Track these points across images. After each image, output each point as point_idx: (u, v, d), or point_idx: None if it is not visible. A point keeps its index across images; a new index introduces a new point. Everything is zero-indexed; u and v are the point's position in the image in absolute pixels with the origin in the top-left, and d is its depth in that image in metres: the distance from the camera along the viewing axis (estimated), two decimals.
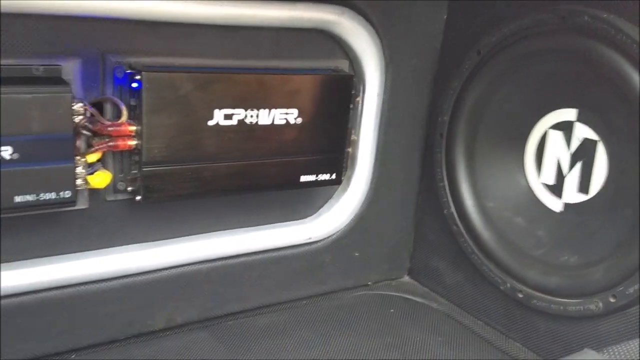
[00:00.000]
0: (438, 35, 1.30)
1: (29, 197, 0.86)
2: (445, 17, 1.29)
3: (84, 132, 0.91)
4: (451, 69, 1.27)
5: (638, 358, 0.65)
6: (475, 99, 1.23)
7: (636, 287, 0.99)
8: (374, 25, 1.19)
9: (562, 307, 1.10)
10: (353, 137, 1.25)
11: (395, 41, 1.23)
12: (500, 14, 1.17)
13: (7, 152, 0.83)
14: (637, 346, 0.67)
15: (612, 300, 1.03)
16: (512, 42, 1.15)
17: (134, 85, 0.94)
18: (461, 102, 1.25)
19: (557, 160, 1.16)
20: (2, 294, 0.94)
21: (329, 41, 1.17)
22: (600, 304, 1.04)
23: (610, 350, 0.65)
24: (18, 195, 0.85)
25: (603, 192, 1.09)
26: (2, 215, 0.86)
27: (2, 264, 0.95)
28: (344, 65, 1.20)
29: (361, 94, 1.23)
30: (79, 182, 0.92)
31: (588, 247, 1.10)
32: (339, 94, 1.17)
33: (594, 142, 1.09)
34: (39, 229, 0.98)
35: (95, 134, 0.93)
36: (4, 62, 0.86)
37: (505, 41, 1.16)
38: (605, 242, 1.07)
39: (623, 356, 0.65)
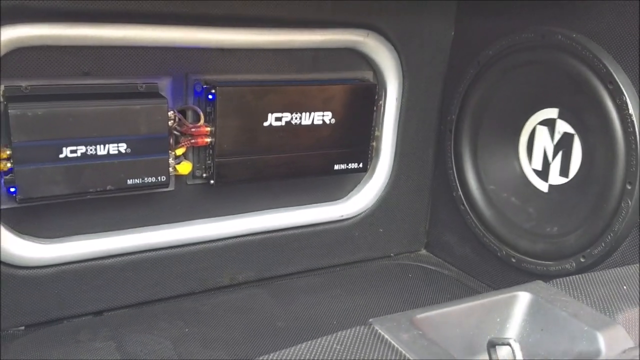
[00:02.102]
0: (446, 50, 1.48)
1: (137, 180, 1.14)
2: (452, 34, 1.49)
3: (175, 132, 1.19)
4: (457, 76, 1.47)
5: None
6: (477, 100, 1.42)
7: (599, 248, 1.21)
8: (393, 44, 1.39)
9: (545, 268, 1.31)
10: (377, 133, 1.47)
11: (411, 55, 1.43)
12: (495, 32, 1.36)
13: (123, 147, 1.11)
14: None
15: (582, 260, 1.23)
16: (505, 54, 1.35)
17: (210, 96, 1.20)
18: (466, 104, 1.45)
19: (543, 150, 1.35)
20: (114, 254, 1.23)
21: (357, 57, 1.39)
22: (574, 264, 1.25)
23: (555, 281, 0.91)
24: (130, 179, 1.14)
25: (578, 176, 1.28)
26: (118, 194, 1.15)
27: (112, 232, 1.24)
28: (368, 75, 1.42)
29: (383, 98, 1.44)
30: (170, 169, 1.19)
31: (566, 220, 1.29)
32: (364, 99, 1.38)
33: (571, 136, 1.29)
34: (137, 207, 1.25)
35: (181, 133, 1.20)
36: (117, 81, 1.14)
37: (499, 54, 1.36)
38: (579, 215, 1.27)
39: (565, 286, 0.91)
